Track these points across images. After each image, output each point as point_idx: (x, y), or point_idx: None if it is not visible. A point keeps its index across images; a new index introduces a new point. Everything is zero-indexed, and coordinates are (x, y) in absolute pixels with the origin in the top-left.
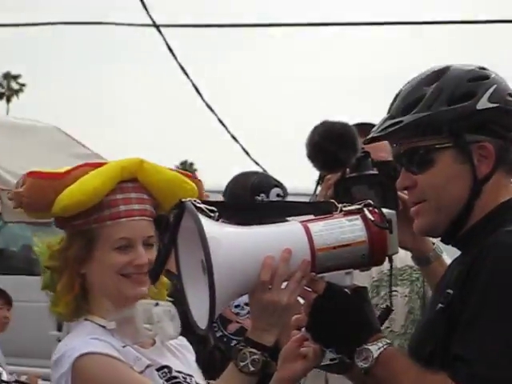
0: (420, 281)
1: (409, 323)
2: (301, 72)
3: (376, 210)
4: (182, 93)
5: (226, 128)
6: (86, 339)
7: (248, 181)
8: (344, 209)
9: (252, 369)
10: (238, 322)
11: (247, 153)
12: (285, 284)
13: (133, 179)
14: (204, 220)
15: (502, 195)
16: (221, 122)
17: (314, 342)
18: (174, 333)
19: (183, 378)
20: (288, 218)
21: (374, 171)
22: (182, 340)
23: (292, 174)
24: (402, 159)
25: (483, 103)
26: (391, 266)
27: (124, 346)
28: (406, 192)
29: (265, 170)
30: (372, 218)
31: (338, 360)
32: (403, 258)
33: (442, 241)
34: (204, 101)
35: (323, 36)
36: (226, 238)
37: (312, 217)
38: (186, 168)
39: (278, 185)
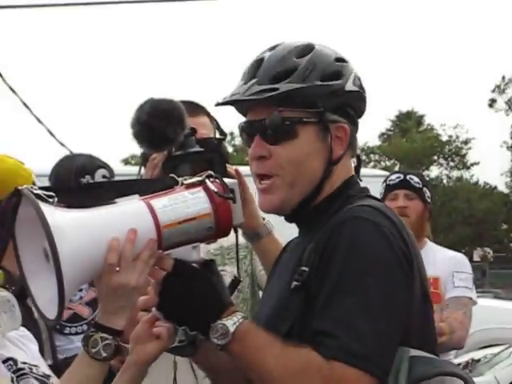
0: (248, 259)
1: (239, 302)
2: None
3: (218, 181)
4: None
5: (30, 110)
6: None
7: (72, 163)
8: (185, 182)
9: (104, 354)
10: (70, 309)
11: (52, 134)
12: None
13: None
14: (44, 207)
15: (345, 174)
16: (25, 104)
17: (166, 321)
18: (15, 323)
19: (29, 368)
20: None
21: (199, 149)
22: (23, 330)
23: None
24: (259, 127)
25: (350, 85)
26: (237, 236)
27: None
28: (254, 162)
29: (71, 152)
30: (215, 189)
31: (186, 342)
32: (229, 236)
33: (286, 219)
34: (6, 83)
35: None
36: (70, 225)
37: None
38: None
39: (103, 166)
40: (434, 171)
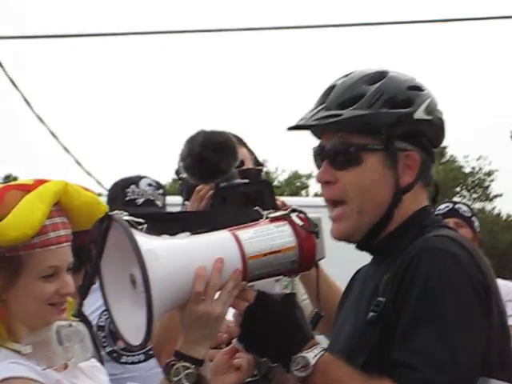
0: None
1: None
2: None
3: (302, 215)
4: (10, 104)
5: (58, 139)
6: (4, 364)
7: (118, 181)
8: (270, 215)
9: (186, 383)
10: None
11: (79, 163)
12: (217, 295)
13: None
14: (136, 233)
15: (417, 204)
16: (52, 133)
17: (247, 353)
18: (87, 354)
19: None
20: None
21: (245, 180)
22: (93, 361)
23: None
24: (327, 152)
25: (420, 113)
26: (318, 272)
27: (43, 369)
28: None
29: (98, 182)
30: (300, 223)
31: (258, 376)
32: None
33: (357, 247)
34: (34, 112)
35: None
36: (162, 251)
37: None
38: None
39: (146, 176)
40: None
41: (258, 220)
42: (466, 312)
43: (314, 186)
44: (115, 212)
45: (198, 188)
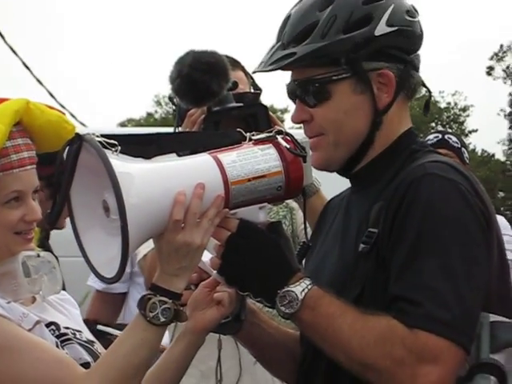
0: (288, 218)
1: None
2: None
3: (288, 138)
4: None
5: (31, 72)
6: None
7: None
8: (253, 137)
9: (163, 319)
10: None
11: (53, 96)
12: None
13: (16, 122)
14: (110, 155)
15: (402, 124)
16: (25, 65)
17: (228, 286)
18: (56, 286)
19: (72, 334)
20: None
21: (239, 104)
22: (64, 294)
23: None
24: (296, 91)
25: (381, 28)
26: (305, 199)
27: (8, 302)
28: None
29: (72, 114)
30: (287, 146)
31: (230, 318)
32: None
33: (339, 173)
34: (6, 43)
35: None
36: (137, 175)
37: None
38: None
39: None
40: None
41: (240, 142)
42: (469, 243)
43: (289, 121)
44: (86, 133)
45: (189, 112)
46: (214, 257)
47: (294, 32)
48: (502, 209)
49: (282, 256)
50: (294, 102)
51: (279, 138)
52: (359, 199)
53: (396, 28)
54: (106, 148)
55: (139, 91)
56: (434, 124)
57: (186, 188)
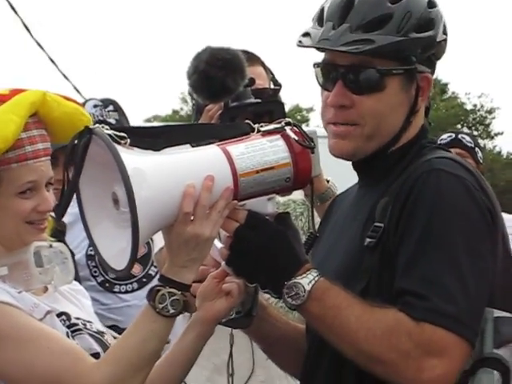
0: (305, 216)
1: None
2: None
3: (296, 129)
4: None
5: (57, 66)
6: None
7: None
8: (262, 129)
9: (172, 311)
10: None
11: (78, 91)
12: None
13: (32, 114)
14: (120, 148)
15: (418, 124)
16: (51, 60)
17: (236, 277)
18: (68, 277)
19: (83, 324)
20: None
21: (257, 100)
22: (76, 284)
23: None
24: (343, 75)
25: (440, 35)
26: (312, 189)
27: (19, 292)
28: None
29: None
30: (295, 137)
31: (242, 313)
32: None
33: (354, 165)
34: (33, 38)
35: None
36: (147, 169)
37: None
38: None
39: (90, 98)
40: None
41: (248, 134)
42: (475, 238)
43: (315, 120)
44: (96, 126)
45: (207, 108)
46: (223, 247)
47: (364, 18)
48: None
49: (290, 247)
50: (327, 84)
51: (287, 129)
52: (366, 194)
53: (446, 37)
54: (116, 141)
55: (166, 88)
56: (459, 126)
57: (196, 180)
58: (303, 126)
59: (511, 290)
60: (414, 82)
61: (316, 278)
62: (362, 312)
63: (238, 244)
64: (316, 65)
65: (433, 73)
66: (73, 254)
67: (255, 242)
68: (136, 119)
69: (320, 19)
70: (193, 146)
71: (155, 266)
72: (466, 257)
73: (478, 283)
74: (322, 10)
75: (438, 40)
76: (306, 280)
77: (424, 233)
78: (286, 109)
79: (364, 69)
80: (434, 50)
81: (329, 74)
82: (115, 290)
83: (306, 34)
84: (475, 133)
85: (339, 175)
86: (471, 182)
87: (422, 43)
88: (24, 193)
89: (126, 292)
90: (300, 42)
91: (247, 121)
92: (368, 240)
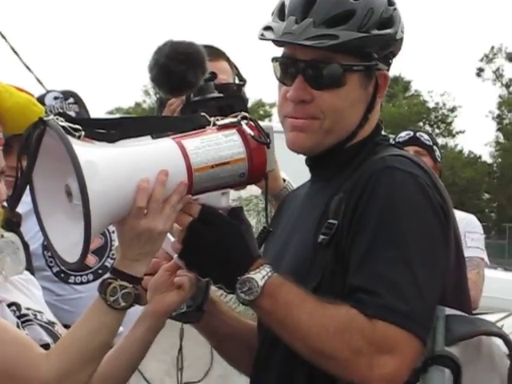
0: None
1: None
2: None
3: (253, 123)
4: None
5: (20, 57)
6: None
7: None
8: (218, 122)
9: (123, 304)
10: None
11: (41, 82)
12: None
13: None
14: (73, 141)
15: (374, 121)
16: (14, 51)
17: (188, 271)
18: (19, 267)
19: (33, 315)
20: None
21: (219, 94)
22: (27, 274)
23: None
24: (303, 70)
25: (399, 33)
26: (266, 184)
27: None
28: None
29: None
30: (251, 133)
31: (193, 307)
32: (248, 187)
33: (307, 161)
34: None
35: None
36: (100, 161)
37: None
38: None
39: (51, 90)
40: None
41: (204, 127)
42: (427, 235)
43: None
44: (50, 117)
45: (169, 102)
46: (176, 241)
47: (327, 14)
48: (486, 210)
49: (243, 242)
50: (287, 79)
51: (243, 123)
52: (320, 190)
53: (403, 35)
54: (70, 133)
55: (129, 81)
56: (421, 123)
57: (150, 174)
58: (265, 121)
59: (462, 288)
60: (372, 78)
61: (269, 274)
62: (314, 309)
63: (191, 238)
64: (275, 59)
65: (388, 70)
66: (27, 245)
67: (208, 236)
68: (98, 111)
69: (281, 13)
70: (153, 138)
71: (112, 258)
72: (418, 254)
73: (430, 281)
74: (282, 4)
75: (396, 38)
76: (260, 275)
77: (376, 230)
78: (249, 104)
79: (326, 64)
80: (392, 47)
81: (288, 68)
82: (70, 280)
83: (268, 28)
84: (437, 131)
85: (294, 170)
86: (424, 180)
87: (383, 40)
88: None
89: (81, 283)
90: (262, 35)
91: (203, 113)
92: (322, 237)
